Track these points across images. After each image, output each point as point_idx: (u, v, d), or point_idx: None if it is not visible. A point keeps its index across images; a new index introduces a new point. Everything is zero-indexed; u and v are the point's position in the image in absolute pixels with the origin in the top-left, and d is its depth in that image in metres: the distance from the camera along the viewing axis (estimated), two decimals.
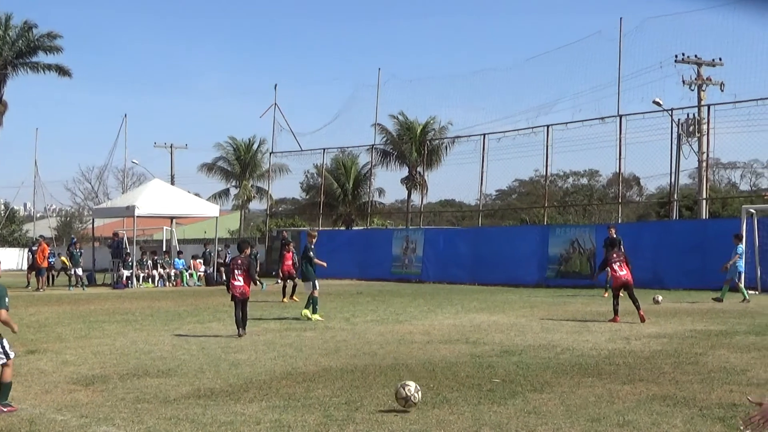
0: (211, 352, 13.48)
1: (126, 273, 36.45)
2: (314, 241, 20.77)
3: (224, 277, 38.48)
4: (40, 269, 34.90)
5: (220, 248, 40.97)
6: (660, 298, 22.62)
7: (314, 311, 19.34)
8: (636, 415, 8.39)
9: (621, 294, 18.26)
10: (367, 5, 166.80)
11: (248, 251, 17.13)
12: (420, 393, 8.82)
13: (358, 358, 12.69)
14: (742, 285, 24.19)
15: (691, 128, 36.44)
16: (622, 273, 18.14)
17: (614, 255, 18.52)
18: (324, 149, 50.95)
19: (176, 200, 39.59)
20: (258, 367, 11.88)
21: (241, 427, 8.07)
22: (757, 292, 26.65)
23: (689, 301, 24.02)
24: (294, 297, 25.54)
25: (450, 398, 9.38)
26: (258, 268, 40.52)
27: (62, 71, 55.94)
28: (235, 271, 16.34)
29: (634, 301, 17.90)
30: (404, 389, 8.79)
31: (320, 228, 50.42)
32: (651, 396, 9.39)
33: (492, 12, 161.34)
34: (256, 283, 16.99)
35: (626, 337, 15.08)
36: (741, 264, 24.39)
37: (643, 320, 17.38)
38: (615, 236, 26.63)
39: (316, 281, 19.81)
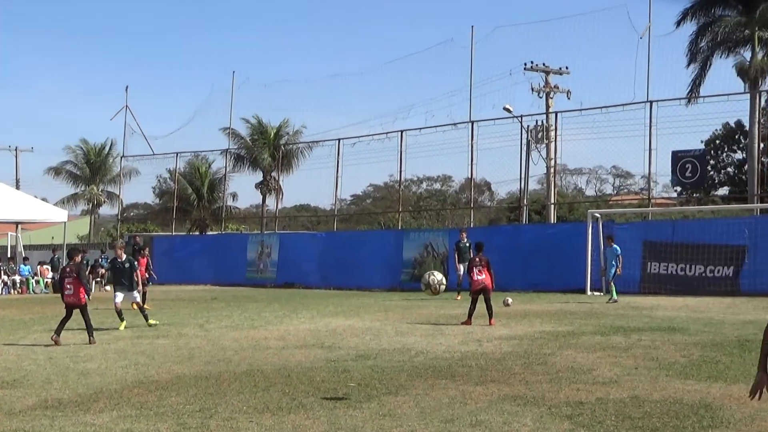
0: (59, 362, 13.06)
1: None
2: (122, 252, 19.94)
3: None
4: None
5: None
6: (510, 300, 23.14)
7: (122, 319, 18.62)
8: (488, 415, 8.57)
9: (477, 298, 18.50)
10: (221, 6, 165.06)
11: (78, 258, 16.68)
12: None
13: (212, 364, 12.53)
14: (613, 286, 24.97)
15: (539, 135, 37.51)
16: (480, 278, 18.34)
17: (476, 260, 18.71)
18: (177, 153, 50.19)
19: (21, 205, 38.33)
20: (108, 376, 11.58)
21: None
22: (602, 294, 27.60)
23: (538, 303, 24.67)
24: (146, 305, 24.87)
25: (306, 403, 9.37)
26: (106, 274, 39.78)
27: None
28: (65, 280, 15.96)
29: (488, 308, 18.19)
30: (429, 277, 10.21)
31: (173, 233, 49.62)
32: (502, 396, 9.60)
33: (347, 17, 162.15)
34: (88, 293, 16.30)
35: (478, 339, 15.37)
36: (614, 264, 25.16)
37: (491, 325, 17.72)
38: (466, 241, 27.21)
39: (120, 294, 18.97)
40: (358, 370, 11.67)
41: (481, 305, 18.27)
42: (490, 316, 18.04)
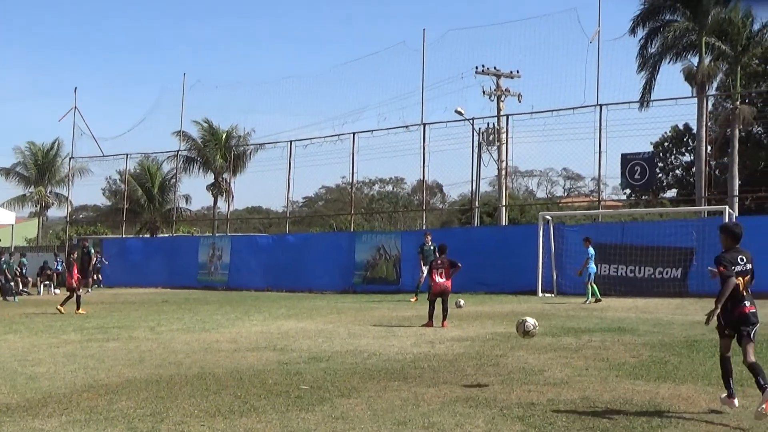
0: (6, 366, 12.87)
1: None
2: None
3: (21, 287, 37.04)
4: None
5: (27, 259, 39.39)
6: (462, 302, 23.24)
7: None
8: (441, 417, 8.59)
9: (436, 300, 18.62)
10: (171, 7, 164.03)
11: None
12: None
13: (163, 368, 12.42)
14: (594, 286, 25.08)
15: (491, 137, 37.72)
16: (440, 281, 18.49)
17: (438, 262, 18.82)
18: (127, 155, 49.72)
19: None
20: (57, 380, 11.43)
21: None
22: (553, 295, 27.82)
23: (490, 304, 24.79)
24: (80, 309, 24.22)
25: (258, 406, 9.33)
26: (56, 277, 39.34)
27: None
28: None
29: (444, 310, 18.33)
30: (524, 326, 10.92)
31: (124, 235, 49.16)
32: (454, 398, 9.64)
33: (298, 19, 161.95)
34: None
35: (431, 341, 15.42)
36: (592, 265, 25.30)
37: (444, 327, 17.84)
38: (431, 244, 27.12)
39: None
40: (311, 373, 11.64)
41: (439, 306, 18.39)
42: (444, 318, 18.16)
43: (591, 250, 25.35)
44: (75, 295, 24.30)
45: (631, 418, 8.45)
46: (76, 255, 26.48)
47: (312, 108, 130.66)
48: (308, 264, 36.42)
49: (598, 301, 24.64)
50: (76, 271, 25.09)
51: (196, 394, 10.08)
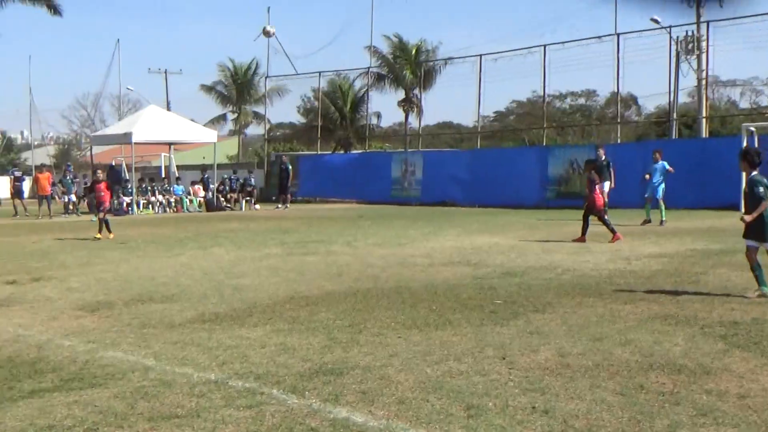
0: (214, 278, 13.54)
1: (126, 200, 36.44)
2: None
3: (224, 202, 38.72)
4: (44, 197, 34.79)
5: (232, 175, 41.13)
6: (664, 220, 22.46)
7: None
8: (638, 334, 8.45)
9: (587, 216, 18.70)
10: None
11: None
12: None
13: (360, 281, 12.75)
14: (648, 206, 23.69)
15: (689, 46, 36.11)
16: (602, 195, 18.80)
17: (602, 177, 18.83)
18: (320, 72, 50.71)
19: (173, 126, 39.39)
20: (261, 291, 11.94)
21: (247, 351, 8.11)
22: None
23: (689, 220, 24.08)
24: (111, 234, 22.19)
25: (453, 320, 9.45)
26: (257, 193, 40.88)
27: (53, 9, 50.09)
28: None
29: (605, 223, 18.37)
30: None
31: (319, 152, 50.34)
32: (652, 315, 9.45)
33: None
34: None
35: (626, 257, 15.14)
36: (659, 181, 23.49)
37: (616, 240, 17.78)
38: (604, 159, 26.31)
39: None
40: (504, 288, 11.67)
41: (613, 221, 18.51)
42: (612, 230, 18.26)
43: (665, 164, 23.38)
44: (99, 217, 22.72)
45: None
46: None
47: (502, 20, 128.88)
48: (500, 179, 36.31)
49: (646, 222, 23.13)
50: (104, 194, 23.19)
51: (393, 307, 10.30)
